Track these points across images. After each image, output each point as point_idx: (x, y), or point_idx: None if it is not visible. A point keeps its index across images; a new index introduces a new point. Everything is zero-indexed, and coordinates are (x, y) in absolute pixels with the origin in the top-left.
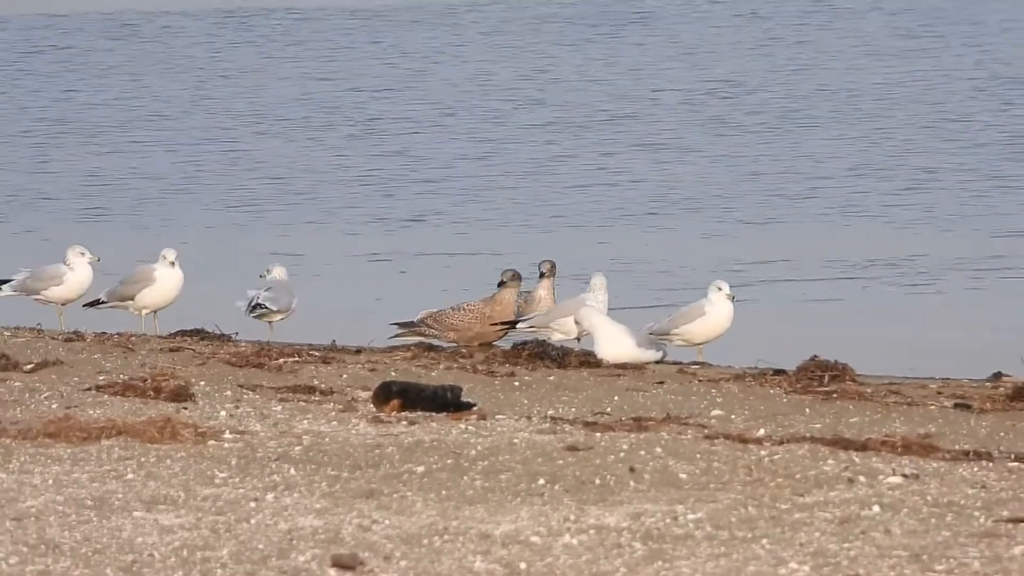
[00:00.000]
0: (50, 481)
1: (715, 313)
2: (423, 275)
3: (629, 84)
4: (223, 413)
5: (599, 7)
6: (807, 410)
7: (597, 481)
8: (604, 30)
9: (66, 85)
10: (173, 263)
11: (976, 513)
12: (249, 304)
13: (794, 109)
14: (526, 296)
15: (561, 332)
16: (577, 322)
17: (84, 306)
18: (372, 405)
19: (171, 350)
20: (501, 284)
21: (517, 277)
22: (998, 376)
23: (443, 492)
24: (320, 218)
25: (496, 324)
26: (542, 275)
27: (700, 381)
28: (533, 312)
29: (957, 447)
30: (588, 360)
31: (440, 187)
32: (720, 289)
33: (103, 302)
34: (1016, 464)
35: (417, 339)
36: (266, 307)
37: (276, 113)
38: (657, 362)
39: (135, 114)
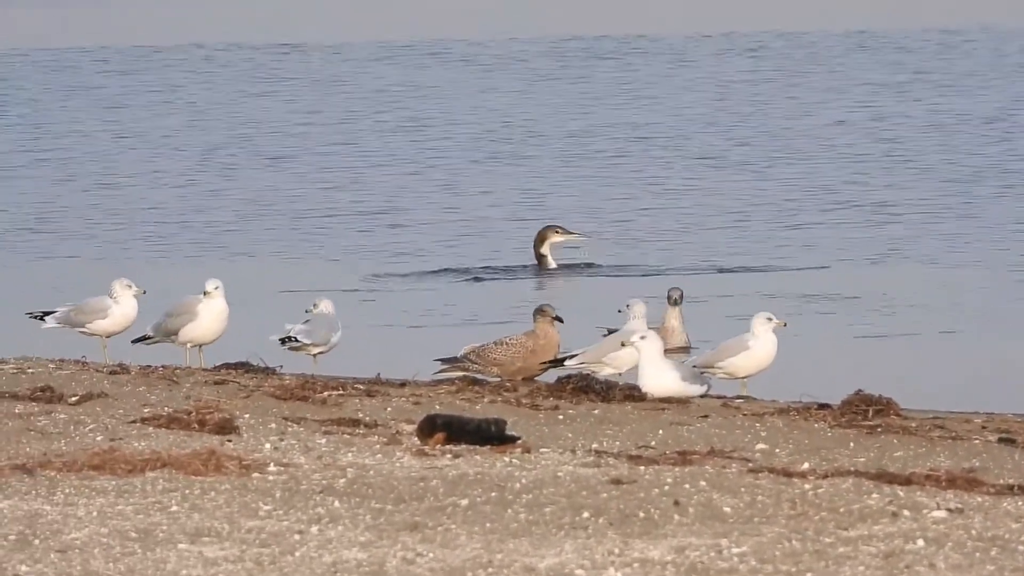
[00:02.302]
0: (95, 513)
1: (759, 347)
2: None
3: (589, 117)
4: (267, 446)
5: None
6: (851, 444)
7: (641, 514)
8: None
9: (46, 115)
10: (207, 293)
11: (1021, 547)
12: (283, 337)
13: (815, 138)
14: (657, 328)
15: (612, 367)
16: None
17: (132, 342)
18: (416, 438)
19: (216, 383)
20: (540, 315)
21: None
22: None
23: (487, 525)
24: (361, 250)
25: (544, 363)
26: (674, 303)
27: (744, 415)
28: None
29: (1001, 481)
30: (632, 394)
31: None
32: (771, 320)
33: (151, 337)
34: None
35: (461, 374)
36: (298, 340)
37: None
38: (701, 396)
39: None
